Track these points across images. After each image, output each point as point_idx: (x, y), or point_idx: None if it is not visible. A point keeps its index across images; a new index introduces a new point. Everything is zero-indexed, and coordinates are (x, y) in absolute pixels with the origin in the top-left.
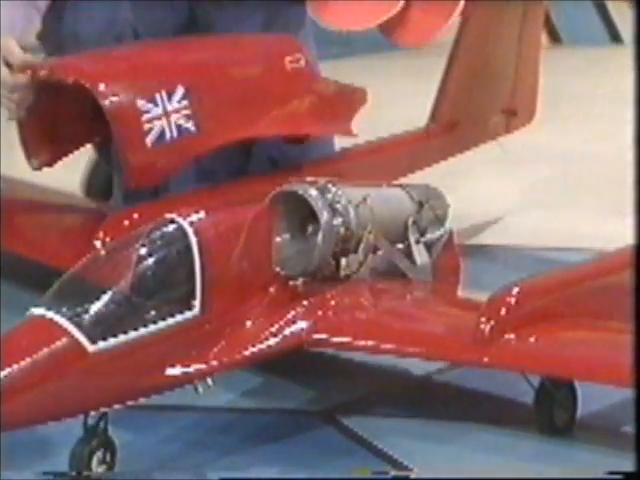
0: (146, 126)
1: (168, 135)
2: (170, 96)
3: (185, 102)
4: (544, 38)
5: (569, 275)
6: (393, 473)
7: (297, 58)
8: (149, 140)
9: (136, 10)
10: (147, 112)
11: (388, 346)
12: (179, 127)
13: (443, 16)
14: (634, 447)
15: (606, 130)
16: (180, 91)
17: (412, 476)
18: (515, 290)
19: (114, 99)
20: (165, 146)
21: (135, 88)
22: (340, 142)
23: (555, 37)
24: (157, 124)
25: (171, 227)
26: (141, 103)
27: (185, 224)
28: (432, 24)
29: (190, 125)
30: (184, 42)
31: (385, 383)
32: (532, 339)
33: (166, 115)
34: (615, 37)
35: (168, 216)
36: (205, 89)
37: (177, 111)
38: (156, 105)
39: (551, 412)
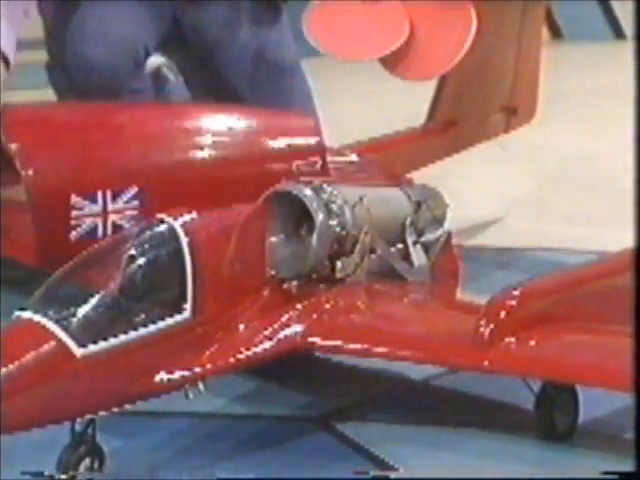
0: (74, 222)
1: (100, 233)
2: (116, 196)
3: (135, 203)
4: (545, 34)
5: (570, 277)
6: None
7: (310, 162)
8: (74, 235)
9: (141, 27)
10: (80, 209)
11: (384, 350)
12: (117, 227)
13: (450, 51)
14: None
15: (609, 129)
16: (132, 191)
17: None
18: (515, 292)
19: (42, 190)
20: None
21: (73, 183)
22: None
23: (556, 32)
24: (89, 221)
25: (161, 227)
26: (75, 200)
27: (176, 224)
28: (439, 58)
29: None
30: (173, 123)
31: (382, 388)
32: (533, 343)
33: (104, 214)
34: (618, 33)
35: (158, 216)
36: (168, 194)
37: (120, 211)
38: (94, 202)
39: (552, 417)
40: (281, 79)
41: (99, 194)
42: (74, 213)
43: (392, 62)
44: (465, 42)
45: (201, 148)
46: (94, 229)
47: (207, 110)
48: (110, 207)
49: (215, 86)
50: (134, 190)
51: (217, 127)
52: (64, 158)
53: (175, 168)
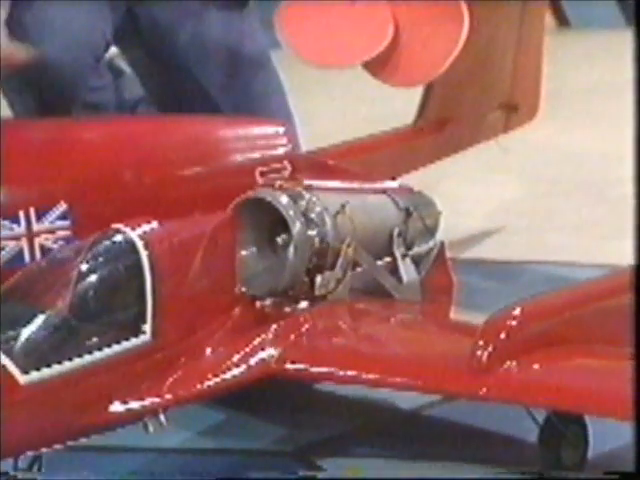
0: None
1: (27, 258)
2: (42, 215)
3: (64, 222)
4: (550, 21)
5: (572, 296)
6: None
7: (275, 168)
8: None
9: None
10: None
11: (370, 376)
12: (46, 250)
13: (440, 54)
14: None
15: (619, 128)
16: (60, 209)
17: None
18: (516, 312)
19: None
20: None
21: None
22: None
23: (563, 20)
24: (11, 245)
25: (117, 238)
26: None
27: (134, 235)
28: (427, 62)
29: None
30: (109, 134)
31: (366, 419)
32: (535, 367)
33: (29, 235)
34: (630, 19)
35: (114, 226)
36: (105, 211)
37: (48, 232)
38: (15, 223)
39: (558, 451)
40: (247, 73)
41: (21, 213)
42: None
43: (376, 66)
44: (457, 43)
45: (143, 161)
46: (19, 253)
47: (149, 120)
48: (35, 227)
49: (172, 80)
50: (62, 207)
51: (162, 138)
52: None
53: (112, 183)
